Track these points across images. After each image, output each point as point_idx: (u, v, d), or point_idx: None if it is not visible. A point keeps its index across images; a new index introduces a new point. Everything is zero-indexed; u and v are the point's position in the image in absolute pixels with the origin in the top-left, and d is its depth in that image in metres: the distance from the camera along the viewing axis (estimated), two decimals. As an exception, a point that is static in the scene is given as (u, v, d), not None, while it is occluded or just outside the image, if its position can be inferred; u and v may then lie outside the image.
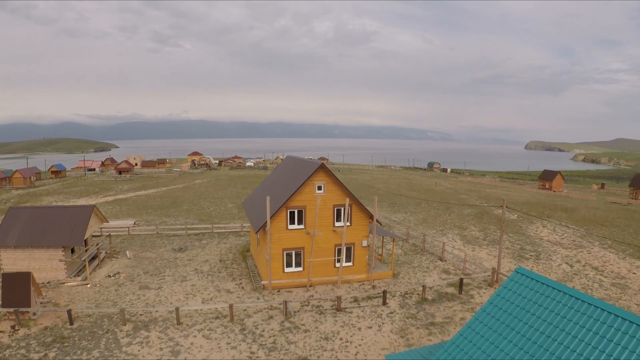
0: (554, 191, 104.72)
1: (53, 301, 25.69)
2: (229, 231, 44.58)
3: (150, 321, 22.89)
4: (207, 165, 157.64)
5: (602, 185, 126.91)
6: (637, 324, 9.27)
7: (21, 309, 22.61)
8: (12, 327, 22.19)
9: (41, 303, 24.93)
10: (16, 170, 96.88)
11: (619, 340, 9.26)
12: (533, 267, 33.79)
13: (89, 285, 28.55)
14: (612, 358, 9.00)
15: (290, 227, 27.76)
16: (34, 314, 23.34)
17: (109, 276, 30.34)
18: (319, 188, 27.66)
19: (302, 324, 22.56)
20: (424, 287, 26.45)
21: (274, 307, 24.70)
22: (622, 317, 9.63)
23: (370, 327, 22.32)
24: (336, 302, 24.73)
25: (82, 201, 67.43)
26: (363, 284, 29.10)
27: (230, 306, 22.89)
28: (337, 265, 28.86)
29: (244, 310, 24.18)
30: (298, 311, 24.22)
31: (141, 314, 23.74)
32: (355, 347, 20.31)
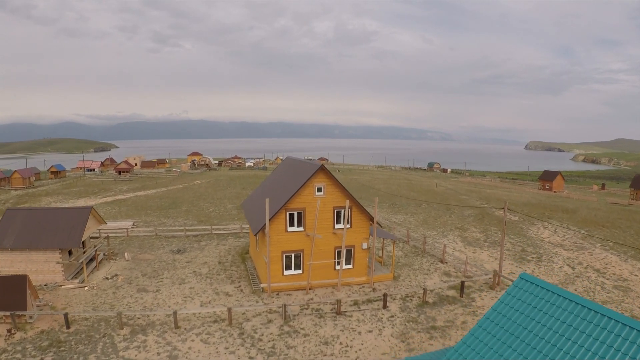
0: (555, 192, 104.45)
1: (50, 304, 25.42)
2: (228, 232, 44.31)
3: (148, 325, 22.62)
4: (207, 166, 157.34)
5: (603, 186, 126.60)
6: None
7: (17, 313, 22.36)
8: (9, 330, 21.93)
9: (38, 306, 24.66)
10: (15, 171, 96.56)
11: (627, 350, 9.01)
12: (535, 269, 33.52)
13: (86, 288, 28.28)
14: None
15: (290, 229, 27.48)
16: (31, 317, 23.07)
17: (107, 278, 30.07)
18: (319, 190, 27.39)
19: (302, 328, 22.29)
20: (424, 290, 26.17)
21: (273, 311, 24.42)
22: (629, 326, 9.38)
23: (370, 331, 22.05)
24: (336, 306, 24.46)
25: (81, 202, 67.17)
26: (363, 286, 28.83)
27: (229, 310, 22.62)
28: (337, 267, 28.59)
29: (243, 314, 23.91)
30: (297, 315, 23.95)
31: (139, 318, 23.47)
32: (356, 351, 20.04)
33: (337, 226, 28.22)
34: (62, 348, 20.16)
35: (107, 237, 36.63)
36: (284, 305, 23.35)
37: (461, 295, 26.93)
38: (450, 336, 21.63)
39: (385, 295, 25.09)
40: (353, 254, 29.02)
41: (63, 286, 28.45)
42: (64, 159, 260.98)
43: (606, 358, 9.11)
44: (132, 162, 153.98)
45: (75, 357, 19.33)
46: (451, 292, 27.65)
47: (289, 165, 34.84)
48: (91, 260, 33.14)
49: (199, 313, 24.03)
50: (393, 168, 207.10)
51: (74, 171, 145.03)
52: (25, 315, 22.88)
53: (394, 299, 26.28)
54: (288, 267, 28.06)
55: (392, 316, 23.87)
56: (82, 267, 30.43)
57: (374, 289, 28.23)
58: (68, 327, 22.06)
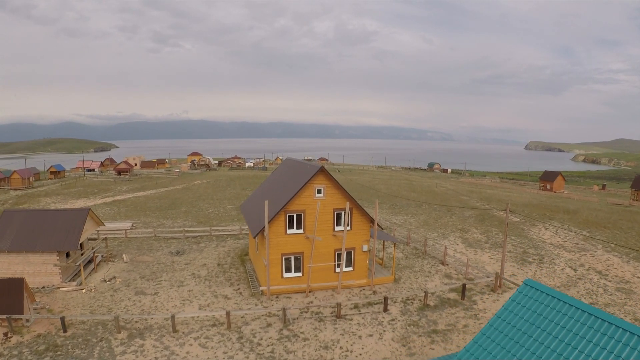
0: (555, 192, 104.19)
1: (47, 307, 25.15)
2: (227, 234, 44.02)
3: (146, 329, 22.35)
4: (207, 166, 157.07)
5: (603, 186, 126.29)
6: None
7: (14, 316, 22.09)
8: (5, 334, 21.67)
9: (35, 309, 24.39)
10: (14, 171, 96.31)
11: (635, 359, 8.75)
12: (536, 271, 33.24)
13: (84, 291, 28.01)
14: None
15: (289, 231, 27.20)
16: (27, 320, 22.81)
17: (105, 281, 29.80)
18: (319, 192, 27.10)
19: (301, 332, 22.01)
20: (425, 293, 25.89)
21: (273, 314, 24.14)
22: (637, 335, 9.11)
23: (371, 335, 21.77)
24: (336, 309, 24.18)
25: (80, 202, 66.91)
26: (364, 289, 28.56)
27: (228, 313, 22.34)
28: (337, 270, 28.32)
29: (242, 318, 23.63)
30: (297, 318, 23.67)
31: (136, 321, 23.19)
32: (356, 356, 19.75)
33: (337, 228, 27.93)
34: (59, 352, 19.89)
35: (106, 239, 36.36)
36: (284, 309, 23.07)
37: (462, 298, 26.66)
38: (451, 340, 21.36)
39: (385, 298, 24.80)
40: (353, 257, 28.74)
41: (60, 289, 28.18)
42: (64, 159, 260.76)
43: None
44: (132, 162, 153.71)
45: (71, 362, 19.07)
46: (452, 295, 27.37)
47: (289, 166, 34.56)
48: (89, 262, 32.87)
49: (198, 317, 23.75)
50: (393, 168, 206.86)
51: (74, 171, 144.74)
52: (21, 319, 22.62)
53: (395, 302, 26.00)
54: (288, 270, 27.78)
55: (393, 320, 23.59)
56: (80, 270, 30.15)
57: (374, 292, 27.95)
58: (65, 331, 21.79)
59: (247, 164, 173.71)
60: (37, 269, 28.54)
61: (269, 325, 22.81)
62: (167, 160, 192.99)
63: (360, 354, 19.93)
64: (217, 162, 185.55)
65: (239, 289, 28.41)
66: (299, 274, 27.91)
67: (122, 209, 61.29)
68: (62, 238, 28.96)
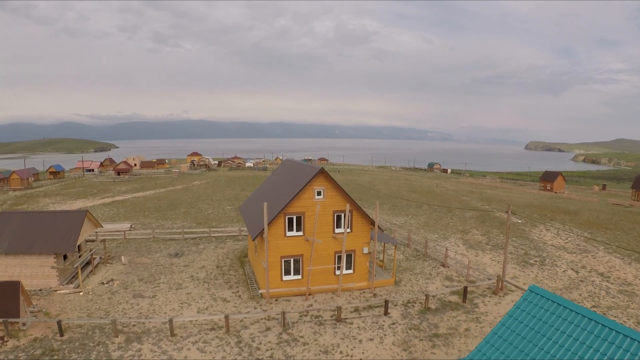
0: (555, 192, 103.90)
1: (44, 310, 24.89)
2: (226, 235, 43.73)
3: (143, 332, 22.07)
4: (206, 166, 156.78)
5: (604, 187, 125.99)
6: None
7: (10, 320, 21.82)
8: (1, 338, 21.40)
9: (32, 312, 24.14)
10: (14, 171, 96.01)
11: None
12: (538, 273, 32.97)
13: (81, 293, 27.73)
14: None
15: (289, 234, 26.92)
16: (24, 324, 22.52)
17: (103, 283, 29.51)
18: (319, 193, 26.82)
19: (301, 336, 21.73)
20: (427, 296, 25.60)
21: (272, 318, 23.86)
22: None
23: (371, 339, 21.50)
24: (336, 312, 23.90)
25: (79, 203, 66.63)
26: (364, 292, 28.28)
27: (226, 317, 22.06)
28: (337, 273, 28.04)
29: (241, 321, 23.35)
30: (296, 322, 23.39)
31: (134, 325, 22.90)
32: (356, 361, 19.49)
33: (337, 230, 27.65)
34: (55, 357, 19.63)
35: (104, 241, 36.09)
36: (283, 313, 22.78)
37: (464, 301, 26.38)
38: (453, 344, 21.08)
39: (386, 301, 24.53)
40: (353, 259, 28.46)
41: (58, 291, 27.90)
42: (64, 159, 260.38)
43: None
44: (132, 163, 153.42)
45: (67, 367, 18.80)
46: (454, 298, 27.10)
47: (288, 167, 34.28)
48: (87, 264, 32.60)
49: (196, 320, 23.47)
50: (393, 168, 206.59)
51: (73, 172, 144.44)
52: (18, 322, 22.34)
53: (396, 305, 25.72)
54: (287, 272, 27.50)
55: (394, 323, 23.31)
56: (78, 272, 29.87)
57: (375, 295, 27.67)
58: (62, 335, 21.52)
59: (247, 164, 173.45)
60: (34, 272, 28.25)
61: (268, 329, 22.53)
62: (166, 161, 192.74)
63: (361, 359, 19.66)
64: (216, 162, 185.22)
65: (237, 291, 28.13)
66: (299, 277, 27.63)
67: (121, 209, 61.01)
68: (59, 240, 28.68)
